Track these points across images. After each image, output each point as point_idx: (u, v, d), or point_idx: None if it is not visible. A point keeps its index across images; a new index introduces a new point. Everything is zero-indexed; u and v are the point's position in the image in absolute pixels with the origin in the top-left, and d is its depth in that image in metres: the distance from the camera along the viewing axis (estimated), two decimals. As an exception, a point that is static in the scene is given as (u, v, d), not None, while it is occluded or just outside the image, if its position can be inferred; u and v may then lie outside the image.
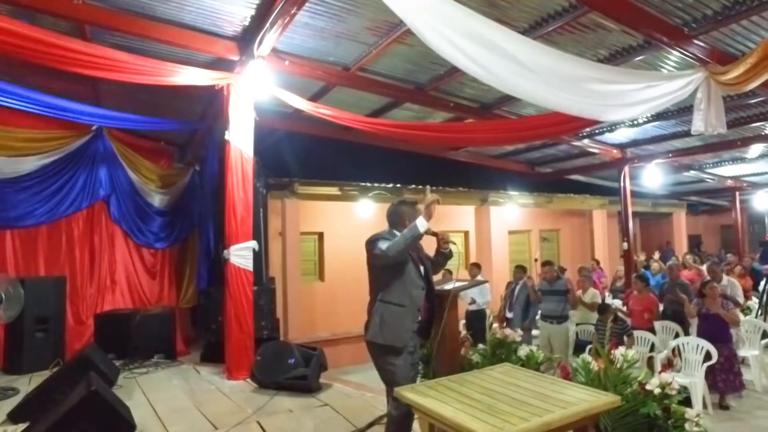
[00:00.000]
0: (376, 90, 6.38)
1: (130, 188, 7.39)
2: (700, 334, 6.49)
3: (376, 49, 5.34)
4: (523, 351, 3.60)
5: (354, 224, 10.15)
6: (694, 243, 15.59)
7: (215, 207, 6.13)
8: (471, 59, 3.49)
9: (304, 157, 9.05)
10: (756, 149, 9.63)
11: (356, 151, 9.37)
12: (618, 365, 2.83)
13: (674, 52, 5.17)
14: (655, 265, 9.25)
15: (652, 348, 6.18)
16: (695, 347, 5.82)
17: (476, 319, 7.82)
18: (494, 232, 11.26)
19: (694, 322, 6.79)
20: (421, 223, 2.84)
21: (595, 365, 2.97)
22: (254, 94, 5.46)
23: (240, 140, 5.32)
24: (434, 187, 10.42)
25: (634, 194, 12.88)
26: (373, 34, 5.09)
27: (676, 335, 6.67)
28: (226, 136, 5.32)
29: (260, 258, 5.78)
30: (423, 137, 5.97)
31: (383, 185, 9.73)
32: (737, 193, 12.49)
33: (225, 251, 5.30)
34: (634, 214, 14.78)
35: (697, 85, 4.66)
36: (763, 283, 10.05)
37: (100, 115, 5.86)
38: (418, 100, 6.72)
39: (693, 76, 4.62)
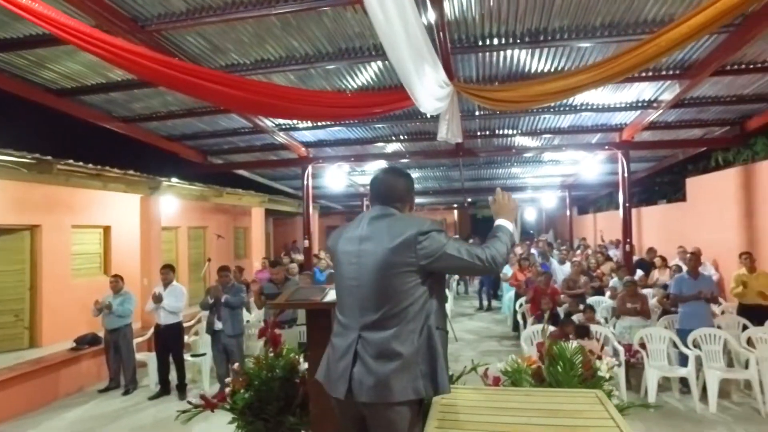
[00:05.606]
0: (78, 5, 4.15)
1: None
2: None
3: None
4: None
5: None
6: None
7: None
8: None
9: None
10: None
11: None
12: (577, 360, 2.72)
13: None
14: (323, 263, 9.90)
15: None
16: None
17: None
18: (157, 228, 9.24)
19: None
20: (514, 230, 2.13)
21: (524, 364, 2.78)
22: None
23: None
24: (87, 165, 7.81)
25: (280, 193, 13.50)
26: None
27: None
28: None
29: None
30: (222, 95, 4.09)
31: (23, 156, 6.34)
32: (364, 199, 15.06)
33: None
34: (272, 212, 15.52)
35: (451, 96, 5.25)
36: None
37: None
38: (136, 40, 4.78)
39: (449, 88, 5.16)
